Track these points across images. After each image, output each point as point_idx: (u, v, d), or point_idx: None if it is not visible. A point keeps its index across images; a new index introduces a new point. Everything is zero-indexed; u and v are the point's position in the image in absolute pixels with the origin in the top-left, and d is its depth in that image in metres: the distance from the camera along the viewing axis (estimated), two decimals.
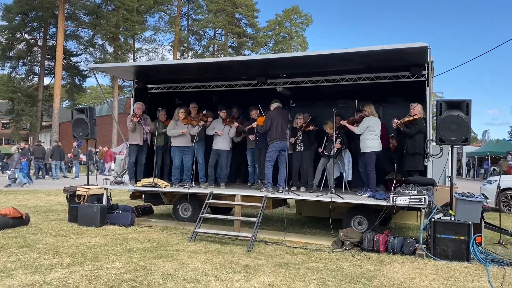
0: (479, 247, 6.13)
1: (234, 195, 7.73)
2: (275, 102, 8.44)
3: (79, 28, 36.38)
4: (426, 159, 7.33)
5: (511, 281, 4.95)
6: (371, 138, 7.76)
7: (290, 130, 8.17)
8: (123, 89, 41.97)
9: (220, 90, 9.66)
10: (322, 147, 8.77)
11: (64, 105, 48.61)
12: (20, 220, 7.66)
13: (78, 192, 8.24)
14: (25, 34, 35.76)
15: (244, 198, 7.72)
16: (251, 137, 9.10)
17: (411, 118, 7.52)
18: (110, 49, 37.54)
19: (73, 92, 38.63)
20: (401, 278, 5.02)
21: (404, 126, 7.55)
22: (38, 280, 4.57)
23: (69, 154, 21.49)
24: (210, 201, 7.65)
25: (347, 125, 8.19)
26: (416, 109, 7.55)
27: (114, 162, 25.43)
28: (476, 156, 32.63)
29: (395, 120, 7.74)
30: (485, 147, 32.22)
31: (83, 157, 24.71)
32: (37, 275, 4.77)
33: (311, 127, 8.84)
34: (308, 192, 8.36)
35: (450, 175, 7.32)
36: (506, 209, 11.33)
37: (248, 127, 9.06)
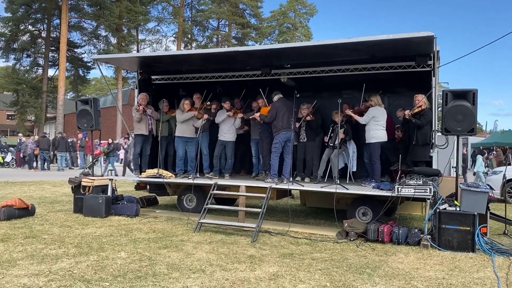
0: (484, 238, 6.11)
1: (239, 186, 7.74)
2: (276, 94, 8.32)
3: (83, 20, 36.23)
4: (431, 150, 7.29)
5: None
6: (376, 128, 7.73)
7: (294, 120, 8.13)
8: (127, 80, 41.94)
9: (224, 81, 9.64)
10: (328, 137, 8.74)
11: (68, 97, 48.69)
12: (26, 211, 7.71)
13: (83, 183, 8.27)
14: (29, 26, 35.65)
15: (249, 189, 7.72)
16: (256, 115, 8.76)
17: (419, 109, 7.47)
18: (113, 40, 37.42)
19: (77, 83, 38.61)
20: (406, 268, 5.01)
21: (413, 117, 7.50)
22: (45, 270, 4.60)
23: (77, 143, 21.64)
24: (215, 192, 7.66)
25: (352, 114, 8.15)
26: (421, 100, 7.50)
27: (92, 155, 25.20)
28: (481, 147, 32.41)
29: (406, 112, 7.68)
30: (491, 138, 31.99)
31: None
32: (43, 265, 4.80)
33: (308, 118, 8.80)
34: (313, 183, 8.36)
35: (455, 165, 7.28)
36: None
37: (251, 117, 8.99)
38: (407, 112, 7.68)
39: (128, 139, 17.32)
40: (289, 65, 8.83)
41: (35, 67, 37.65)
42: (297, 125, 8.81)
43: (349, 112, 8.25)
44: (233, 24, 46.42)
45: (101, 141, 18.03)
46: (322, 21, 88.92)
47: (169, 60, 9.19)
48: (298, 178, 8.85)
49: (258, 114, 8.62)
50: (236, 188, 7.86)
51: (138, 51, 40.40)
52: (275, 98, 8.32)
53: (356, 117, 8.06)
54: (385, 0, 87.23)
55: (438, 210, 6.10)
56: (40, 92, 35.20)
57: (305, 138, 8.95)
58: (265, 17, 48.99)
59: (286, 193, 8.56)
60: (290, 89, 8.56)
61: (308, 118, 8.78)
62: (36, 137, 23.54)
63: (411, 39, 6.50)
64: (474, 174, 16.09)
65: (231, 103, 9.29)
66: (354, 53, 7.65)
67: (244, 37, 46.99)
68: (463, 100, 6.51)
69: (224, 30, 47.71)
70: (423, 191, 6.39)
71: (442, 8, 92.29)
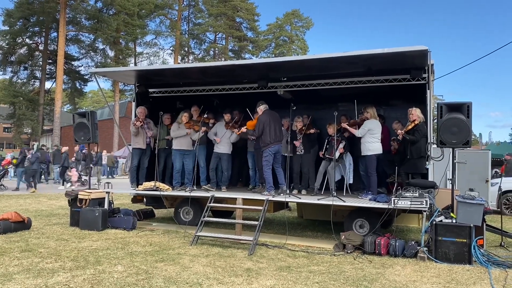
0: (481, 250, 6.12)
1: (236, 199, 7.74)
2: (261, 105, 8.24)
3: (80, 33, 36.44)
4: (427, 162, 7.34)
5: None
6: (372, 141, 7.79)
7: (289, 132, 8.15)
8: (124, 93, 42.10)
9: (221, 94, 9.70)
10: (323, 150, 8.78)
11: (65, 109, 48.74)
12: (22, 224, 7.68)
13: (80, 196, 8.25)
14: (27, 39, 35.82)
15: (246, 201, 7.73)
16: (243, 130, 8.79)
17: (412, 124, 7.54)
18: (111, 53, 37.63)
19: (74, 96, 38.66)
20: (402, 281, 5.02)
21: (407, 134, 7.56)
22: (41, 284, 4.58)
23: (72, 158, 21.62)
24: (212, 204, 7.66)
25: (348, 127, 8.21)
26: (415, 114, 7.56)
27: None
28: (504, 158, 32.51)
29: (399, 131, 7.77)
30: (486, 150, 32.16)
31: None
32: (39, 279, 4.78)
33: (312, 130, 8.86)
34: (310, 195, 8.37)
35: (451, 177, 7.32)
36: (508, 212, 11.32)
37: (238, 133, 8.93)
38: (399, 131, 7.75)
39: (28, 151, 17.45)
40: (285, 78, 8.90)
41: (32, 80, 37.75)
42: (297, 143, 8.85)
43: (345, 125, 8.30)
44: (230, 37, 46.80)
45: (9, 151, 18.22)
46: (319, 34, 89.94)
47: (166, 73, 9.25)
48: (295, 191, 8.86)
49: (244, 129, 8.59)
50: (233, 200, 7.86)
51: (135, 64, 40.66)
52: (260, 110, 8.21)
53: (352, 130, 8.11)
54: (382, 13, 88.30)
55: (434, 222, 6.11)
56: (37, 104, 35.21)
57: (302, 151, 8.98)
58: (261, 30, 49.45)
59: (283, 205, 8.57)
60: (287, 101, 8.62)
61: (312, 131, 8.82)
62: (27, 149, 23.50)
63: (405, 52, 6.58)
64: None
65: (231, 115, 9.32)
66: (350, 66, 7.74)
67: (241, 50, 47.34)
68: (458, 112, 6.58)
69: (221, 43, 48.08)
70: (419, 203, 6.42)
71: (438, 21, 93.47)
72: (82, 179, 19.19)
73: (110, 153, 31.31)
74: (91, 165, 20.62)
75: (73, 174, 18.63)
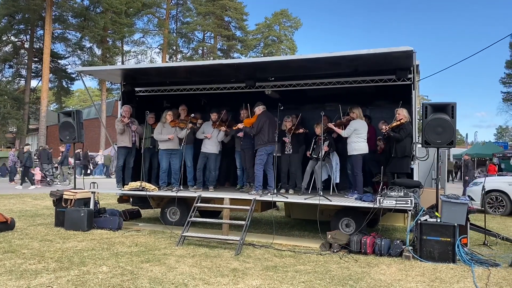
0: (465, 249, 6.21)
1: (223, 198, 7.73)
2: (260, 105, 8.36)
3: (67, 31, 36.08)
4: (412, 162, 7.41)
5: (495, 282, 5.02)
6: (358, 141, 7.84)
7: (277, 132, 8.19)
8: (111, 91, 41.76)
9: (209, 93, 9.67)
10: (310, 150, 8.82)
11: (51, 108, 48.14)
12: (5, 225, 7.55)
13: (65, 196, 8.15)
14: (12, 37, 35.35)
15: (233, 201, 7.71)
16: (240, 134, 9.01)
17: (398, 122, 7.61)
18: (98, 51, 37.36)
19: (60, 95, 38.28)
20: (388, 280, 5.06)
21: (392, 131, 7.63)
22: (23, 286, 4.51)
23: (58, 158, 21.41)
24: (199, 204, 7.63)
25: (334, 128, 8.25)
26: (402, 114, 7.64)
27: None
28: (462, 158, 32.98)
29: (384, 127, 7.82)
30: (472, 149, 32.63)
31: (71, 161, 24.58)
32: (22, 280, 4.71)
33: (301, 130, 8.88)
34: (297, 195, 8.39)
35: (435, 177, 7.40)
36: (492, 211, 11.49)
37: (234, 128, 9.00)
38: (384, 127, 7.82)
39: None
40: (273, 78, 8.91)
41: (18, 78, 37.26)
42: (287, 139, 8.87)
43: (330, 125, 8.34)
44: (218, 36, 46.73)
45: None
46: (307, 34, 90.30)
47: (153, 72, 9.18)
48: (282, 190, 8.88)
49: (241, 125, 8.63)
50: (220, 200, 7.84)
51: (123, 62, 40.34)
52: (258, 110, 8.32)
53: (338, 130, 8.16)
54: (370, 14, 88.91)
55: (419, 221, 6.18)
56: (22, 103, 34.73)
57: (291, 150, 9.00)
58: (250, 29, 49.54)
59: (271, 205, 8.58)
60: (274, 101, 8.63)
61: (301, 130, 8.84)
62: (15, 149, 23.22)
63: (391, 53, 6.63)
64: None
65: (218, 115, 9.31)
66: (336, 66, 7.78)
67: (230, 49, 47.31)
68: (442, 113, 6.66)
69: (209, 42, 47.99)
70: (405, 202, 6.47)
71: (425, 21, 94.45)
72: (48, 179, 18.94)
73: (98, 152, 31.15)
74: (57, 165, 20.48)
75: (36, 173, 18.33)
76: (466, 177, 17.96)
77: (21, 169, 18.99)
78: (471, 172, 18.45)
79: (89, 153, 29.65)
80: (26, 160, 17.80)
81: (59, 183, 19.33)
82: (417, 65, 7.34)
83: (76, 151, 19.90)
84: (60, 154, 22.05)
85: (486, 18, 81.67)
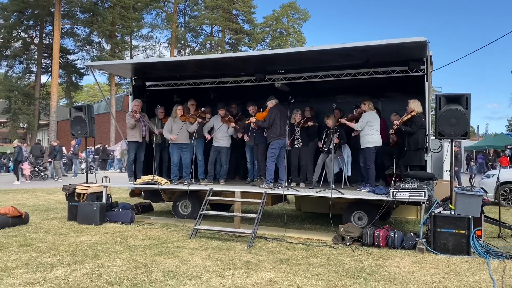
0: (479, 241, 6.14)
1: (234, 192, 7.73)
2: (273, 99, 8.38)
3: (76, 26, 36.19)
4: (425, 154, 7.34)
5: (511, 274, 4.97)
6: (371, 133, 7.77)
7: (287, 126, 8.16)
8: (120, 86, 41.88)
9: (218, 87, 9.65)
10: (322, 142, 8.76)
11: (61, 103, 48.48)
12: (20, 219, 7.65)
13: (77, 191, 8.22)
14: (22, 33, 35.53)
15: (244, 194, 7.72)
16: (246, 137, 9.11)
17: (409, 116, 7.52)
18: (107, 46, 37.42)
19: (70, 90, 38.45)
20: (401, 272, 5.02)
21: (403, 125, 7.55)
22: (40, 279, 4.56)
23: (69, 152, 21.54)
24: (210, 197, 7.65)
25: (347, 122, 8.20)
26: (412, 106, 7.55)
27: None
28: (474, 150, 32.68)
29: (395, 122, 7.75)
30: (484, 141, 32.28)
31: (82, 155, 24.78)
32: (38, 273, 4.76)
33: (310, 123, 8.83)
34: (308, 188, 8.37)
35: (449, 169, 7.33)
36: (506, 203, 11.36)
37: (246, 121, 9.00)
38: (395, 121, 7.74)
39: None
40: (283, 71, 8.86)
41: (28, 74, 37.49)
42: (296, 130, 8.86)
43: (343, 120, 8.31)
44: (226, 30, 46.54)
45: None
46: (315, 26, 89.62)
47: (163, 66, 9.19)
48: (293, 184, 8.86)
49: (253, 119, 8.62)
50: (232, 193, 7.85)
51: (131, 57, 40.40)
52: (271, 103, 8.33)
53: (351, 124, 8.10)
54: (380, 5, 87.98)
55: (433, 213, 6.12)
56: (33, 99, 35.01)
57: (300, 143, 8.97)
58: (258, 22, 49.18)
59: (282, 198, 8.57)
60: (284, 94, 8.59)
61: (310, 123, 8.80)
62: (26, 144, 23.38)
63: (403, 44, 6.55)
64: (471, 179, 16.35)
65: (226, 109, 9.30)
66: (347, 58, 7.70)
67: (238, 42, 47.12)
68: (456, 104, 6.57)
69: (217, 36, 47.85)
70: (418, 195, 6.41)
71: (437, 12, 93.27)
72: (42, 174, 18.97)
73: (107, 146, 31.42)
74: (50, 159, 20.52)
75: (25, 167, 18.37)
76: (456, 167, 18.23)
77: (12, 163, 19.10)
78: (459, 163, 18.72)
79: (108, 148, 29.97)
80: (17, 155, 17.84)
81: (54, 179, 19.34)
82: (430, 56, 7.24)
83: (96, 146, 19.92)
84: (72, 149, 22.24)
85: (500, 8, 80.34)
